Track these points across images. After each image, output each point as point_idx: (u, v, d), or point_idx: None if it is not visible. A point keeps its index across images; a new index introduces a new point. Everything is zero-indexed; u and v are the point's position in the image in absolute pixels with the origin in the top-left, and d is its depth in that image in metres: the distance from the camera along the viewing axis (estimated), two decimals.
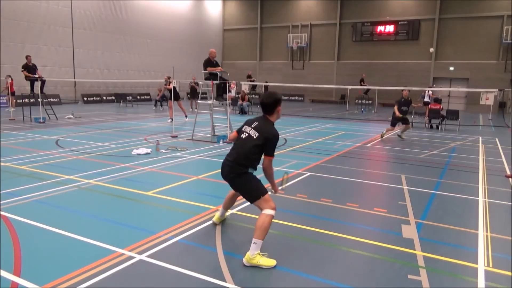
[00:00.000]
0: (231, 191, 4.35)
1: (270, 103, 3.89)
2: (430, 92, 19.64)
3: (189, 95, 22.94)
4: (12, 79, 16.98)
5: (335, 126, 15.31)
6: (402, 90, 12.88)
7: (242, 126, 4.01)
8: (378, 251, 3.95)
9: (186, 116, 16.20)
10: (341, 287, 3.25)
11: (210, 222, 4.57)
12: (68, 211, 4.91)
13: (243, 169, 3.83)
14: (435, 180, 7.02)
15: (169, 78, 15.72)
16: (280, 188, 4.27)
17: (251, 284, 3.23)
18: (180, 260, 3.61)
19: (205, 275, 3.32)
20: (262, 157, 3.83)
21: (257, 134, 3.79)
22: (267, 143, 3.77)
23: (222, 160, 4.01)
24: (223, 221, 4.60)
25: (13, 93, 17.49)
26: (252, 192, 3.81)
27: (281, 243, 4.12)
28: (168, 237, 4.09)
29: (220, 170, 4.03)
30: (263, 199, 3.74)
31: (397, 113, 12.04)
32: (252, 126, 3.89)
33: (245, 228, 4.49)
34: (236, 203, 5.27)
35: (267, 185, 3.97)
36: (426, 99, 19.39)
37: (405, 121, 12.23)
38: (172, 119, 14.37)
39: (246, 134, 3.86)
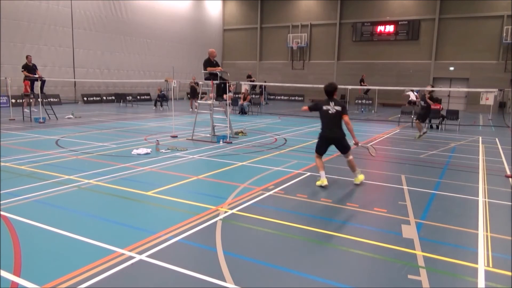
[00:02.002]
0: (317, 159, 6.50)
1: (332, 90, 6.35)
2: (416, 93, 19.42)
3: (189, 95, 22.94)
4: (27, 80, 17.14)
5: None
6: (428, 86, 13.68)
7: (319, 107, 6.37)
8: (378, 251, 3.95)
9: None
10: (341, 287, 3.25)
11: (210, 222, 4.57)
12: (68, 211, 4.91)
13: (343, 133, 6.36)
14: (435, 180, 7.02)
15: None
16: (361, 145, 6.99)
17: (251, 284, 3.23)
18: (180, 260, 3.61)
19: (205, 275, 3.32)
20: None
21: (340, 107, 6.25)
22: (344, 108, 6.28)
23: (321, 135, 6.45)
24: (223, 220, 4.60)
25: (27, 94, 17.59)
26: (349, 146, 6.43)
27: (281, 243, 4.12)
28: (168, 237, 4.09)
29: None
30: (350, 151, 6.49)
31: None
32: (332, 105, 6.25)
33: (245, 228, 4.50)
34: (236, 203, 5.28)
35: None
36: (413, 97, 19.34)
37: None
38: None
39: (334, 110, 6.23)
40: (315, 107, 6.46)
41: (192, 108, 20.82)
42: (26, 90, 17.27)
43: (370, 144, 11.04)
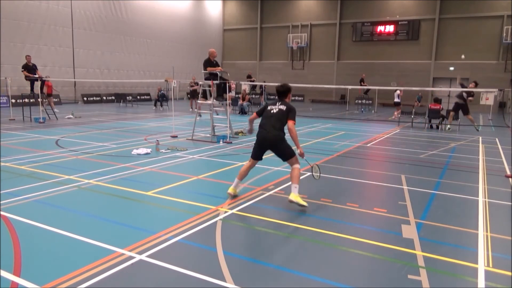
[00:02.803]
0: (247, 163, 5.58)
1: (283, 91, 5.50)
2: (399, 92, 19.11)
3: (189, 95, 22.94)
4: (50, 81, 17.36)
5: (335, 126, 15.31)
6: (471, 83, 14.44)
7: (266, 108, 5.47)
8: (378, 251, 3.95)
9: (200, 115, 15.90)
10: (341, 287, 3.25)
11: (210, 222, 4.57)
12: (68, 211, 4.91)
13: (282, 134, 5.29)
14: (435, 180, 7.01)
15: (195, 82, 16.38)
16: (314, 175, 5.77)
17: (251, 284, 3.23)
18: (180, 260, 3.61)
19: (205, 275, 3.32)
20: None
21: (285, 107, 5.31)
22: (291, 111, 5.29)
23: (260, 132, 5.34)
24: (223, 220, 4.60)
25: (50, 95, 17.80)
26: (290, 152, 5.31)
27: (281, 243, 4.12)
28: (168, 237, 4.09)
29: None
30: (295, 157, 5.31)
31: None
32: (278, 105, 5.38)
33: (245, 228, 4.50)
34: (236, 203, 5.28)
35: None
36: (396, 99, 18.92)
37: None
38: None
39: (276, 109, 5.33)
40: (262, 110, 5.55)
41: (192, 108, 20.82)
42: (50, 90, 17.56)
43: (371, 144, 11.06)
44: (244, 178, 5.64)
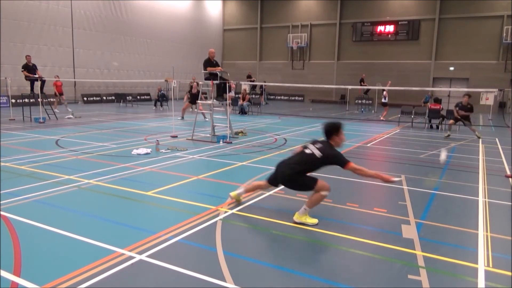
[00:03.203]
0: (261, 182, 5.15)
1: (328, 130, 4.79)
2: (385, 92, 19.03)
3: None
4: (60, 80, 17.69)
5: None
6: (463, 96, 13.39)
7: (306, 145, 4.85)
8: (378, 251, 3.95)
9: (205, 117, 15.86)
10: (341, 287, 3.25)
11: (210, 222, 4.57)
12: (68, 211, 4.91)
13: (296, 175, 4.67)
14: (435, 180, 7.01)
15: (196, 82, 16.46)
16: None
17: (251, 284, 3.23)
18: (180, 260, 3.61)
19: (205, 275, 3.32)
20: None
21: (320, 154, 4.61)
22: (334, 157, 4.63)
23: (277, 166, 4.87)
24: (223, 220, 4.60)
25: (61, 94, 18.15)
26: (309, 183, 4.68)
27: (281, 243, 4.12)
28: (168, 237, 4.09)
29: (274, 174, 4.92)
30: (319, 184, 4.65)
31: (456, 114, 13.14)
32: (313, 146, 4.74)
33: (245, 228, 4.49)
34: (235, 203, 5.27)
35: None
36: (384, 100, 18.85)
37: (466, 120, 13.20)
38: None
39: (309, 151, 4.70)
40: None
41: (192, 108, 20.82)
42: (59, 90, 17.86)
43: (371, 144, 11.07)
44: (250, 194, 5.27)
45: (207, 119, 15.10)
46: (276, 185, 5.06)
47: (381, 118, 18.73)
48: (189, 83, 21.79)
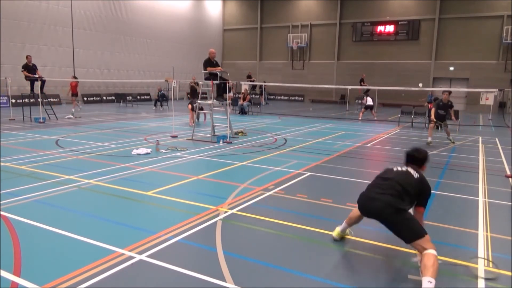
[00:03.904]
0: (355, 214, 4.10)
1: (420, 158, 3.95)
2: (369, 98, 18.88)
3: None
4: (76, 81, 17.89)
5: (335, 126, 15.31)
6: (443, 93, 11.63)
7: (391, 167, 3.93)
8: (378, 251, 3.95)
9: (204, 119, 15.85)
10: (341, 287, 3.25)
11: (210, 222, 4.57)
12: (68, 211, 4.91)
13: (398, 204, 3.50)
14: (435, 180, 7.01)
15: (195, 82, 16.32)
16: None
17: (251, 284, 3.23)
18: (180, 260, 3.61)
19: (205, 275, 3.32)
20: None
21: (417, 175, 3.73)
22: (423, 192, 3.69)
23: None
24: (223, 220, 4.60)
25: (75, 94, 18.24)
26: (411, 228, 3.47)
27: (281, 243, 4.12)
28: (168, 237, 4.09)
29: None
30: (426, 239, 3.41)
31: (432, 116, 11.45)
32: (405, 168, 3.85)
33: (245, 228, 4.49)
34: (236, 203, 5.28)
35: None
36: (369, 102, 18.74)
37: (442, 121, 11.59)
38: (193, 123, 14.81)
39: (405, 169, 3.82)
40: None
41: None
42: (74, 90, 18.03)
43: (371, 144, 11.06)
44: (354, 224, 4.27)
45: (201, 121, 15.12)
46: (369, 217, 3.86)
47: (360, 118, 18.83)
48: (189, 83, 21.80)
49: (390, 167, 3.95)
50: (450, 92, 11.87)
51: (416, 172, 3.78)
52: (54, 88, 23.02)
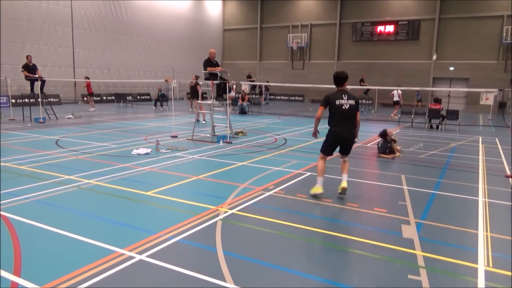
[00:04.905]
0: (322, 161, 5.76)
1: (344, 77, 5.60)
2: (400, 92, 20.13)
3: (189, 95, 22.93)
4: (89, 80, 18.18)
5: None
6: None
7: (330, 101, 5.50)
8: (378, 251, 3.95)
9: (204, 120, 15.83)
10: (341, 287, 3.25)
11: (210, 222, 4.57)
12: (68, 211, 4.91)
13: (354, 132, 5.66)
14: (435, 180, 7.01)
15: (197, 78, 16.43)
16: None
17: (251, 284, 3.23)
18: (180, 260, 3.61)
19: (205, 275, 3.32)
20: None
21: (353, 101, 5.53)
22: (358, 103, 5.61)
23: (337, 131, 5.60)
24: (223, 220, 4.60)
25: (91, 94, 18.64)
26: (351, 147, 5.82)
27: (281, 243, 4.12)
28: (168, 237, 4.09)
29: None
30: None
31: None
32: (345, 98, 5.50)
33: (245, 228, 4.49)
34: (236, 203, 5.28)
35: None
36: (396, 97, 20.02)
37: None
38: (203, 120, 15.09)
39: (347, 105, 5.48)
40: (327, 102, 5.54)
41: (192, 108, 20.82)
42: (90, 90, 18.33)
43: (371, 144, 11.06)
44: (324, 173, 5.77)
45: (203, 122, 15.12)
46: (332, 154, 5.86)
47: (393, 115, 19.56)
48: (189, 83, 21.81)
49: (337, 104, 5.49)
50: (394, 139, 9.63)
51: (350, 97, 5.56)
52: (54, 88, 23.02)
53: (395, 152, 9.23)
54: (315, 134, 5.84)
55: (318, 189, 5.60)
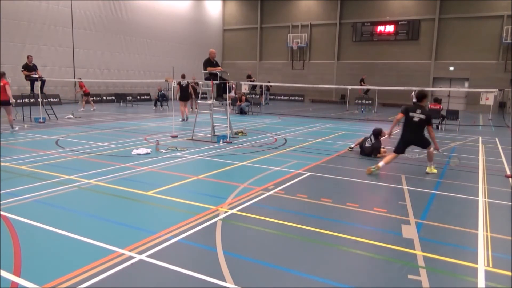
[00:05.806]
0: (392, 156, 7.41)
1: (421, 96, 7.44)
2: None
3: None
4: (81, 81, 18.37)
5: (335, 126, 15.31)
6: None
7: (408, 112, 7.22)
8: (378, 251, 3.95)
9: (185, 118, 15.99)
10: (341, 287, 3.25)
11: (210, 222, 4.57)
12: (68, 211, 4.91)
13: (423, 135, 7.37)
14: (435, 180, 7.02)
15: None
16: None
17: (251, 284, 3.23)
18: (180, 260, 3.61)
19: (205, 275, 3.32)
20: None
21: (424, 116, 7.10)
22: (430, 119, 7.24)
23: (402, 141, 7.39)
24: (223, 220, 4.61)
25: (87, 94, 18.83)
26: (427, 141, 7.40)
27: (281, 243, 4.12)
28: (168, 237, 4.09)
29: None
30: (430, 145, 7.40)
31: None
32: (418, 112, 7.12)
33: (245, 228, 4.49)
34: (236, 203, 5.28)
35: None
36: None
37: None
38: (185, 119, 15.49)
39: (417, 119, 7.11)
40: (405, 111, 7.31)
41: (192, 108, 20.82)
42: (86, 90, 18.51)
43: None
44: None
45: (185, 119, 15.65)
46: (403, 152, 7.58)
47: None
48: (189, 83, 21.79)
49: (410, 116, 7.25)
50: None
51: (424, 114, 7.18)
52: (54, 88, 23.03)
53: (380, 152, 9.16)
54: (390, 133, 7.84)
55: (378, 166, 7.23)
